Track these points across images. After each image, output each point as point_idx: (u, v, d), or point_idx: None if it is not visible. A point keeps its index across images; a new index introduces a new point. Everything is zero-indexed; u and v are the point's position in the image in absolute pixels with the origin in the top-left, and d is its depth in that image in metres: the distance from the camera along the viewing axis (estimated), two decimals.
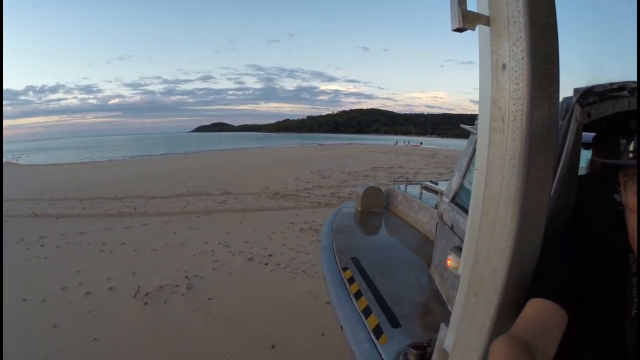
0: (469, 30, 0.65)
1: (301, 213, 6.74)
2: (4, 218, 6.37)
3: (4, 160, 34.93)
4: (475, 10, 0.65)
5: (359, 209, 3.50)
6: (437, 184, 3.46)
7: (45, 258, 4.61)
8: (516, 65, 0.60)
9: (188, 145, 50.01)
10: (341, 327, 1.63)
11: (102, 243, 5.06)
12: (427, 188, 3.34)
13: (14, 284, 3.79)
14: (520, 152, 0.62)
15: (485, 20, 0.65)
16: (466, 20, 0.63)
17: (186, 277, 3.78)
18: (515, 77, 0.61)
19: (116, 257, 4.52)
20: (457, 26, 0.63)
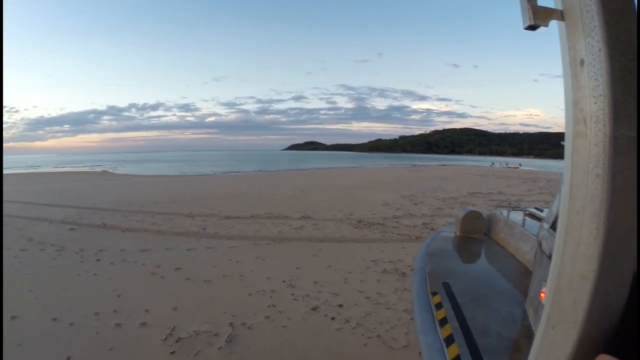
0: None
1: (387, 248, 6.34)
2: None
3: (101, 168, 42.98)
4: (548, 6, 0.70)
5: (458, 233, 3.80)
6: (542, 210, 3.60)
7: (95, 275, 5.00)
8: (594, 59, 0.64)
9: (280, 163, 56.20)
10: (420, 352, 1.85)
11: (157, 265, 5.26)
12: (531, 215, 3.53)
13: (53, 300, 4.14)
14: (604, 159, 0.64)
15: (559, 15, 0.70)
16: (538, 17, 0.68)
17: (231, 324, 3.48)
18: (594, 73, 0.64)
19: (165, 285, 4.58)
20: (528, 23, 0.69)
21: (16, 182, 23.10)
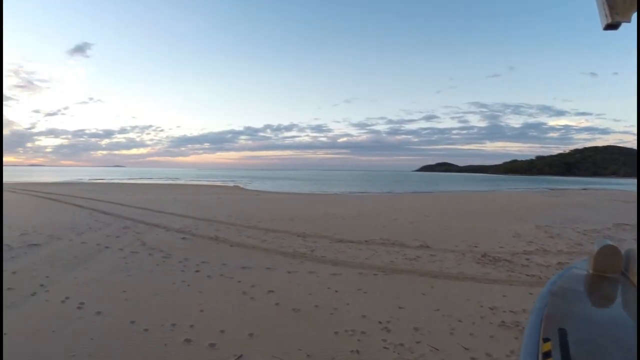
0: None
1: (511, 292, 5.46)
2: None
3: (234, 184, 47.85)
4: None
5: (590, 271, 3.31)
6: None
7: (188, 285, 5.45)
8: None
9: (409, 185, 57.94)
10: None
11: (252, 285, 5.46)
12: None
13: (140, 303, 4.66)
14: None
15: None
16: (615, 12, 0.71)
17: None
18: None
19: (251, 307, 4.69)
20: (607, 22, 0.73)
21: (150, 192, 27.04)
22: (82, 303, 4.74)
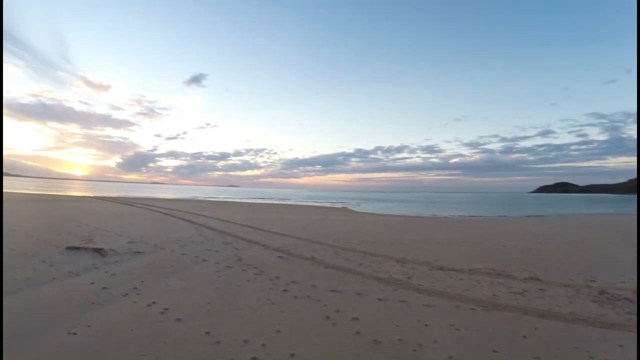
0: None
1: (630, 342, 4.55)
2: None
3: (343, 205, 48.23)
4: None
5: None
6: None
7: (272, 304, 5.51)
8: None
9: (524, 207, 54.42)
10: None
11: (337, 310, 5.29)
12: None
13: (219, 316, 4.89)
14: None
15: None
16: None
17: None
18: None
19: (330, 333, 4.52)
20: None
21: (258, 211, 28.15)
22: (166, 309, 5.13)
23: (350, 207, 44.04)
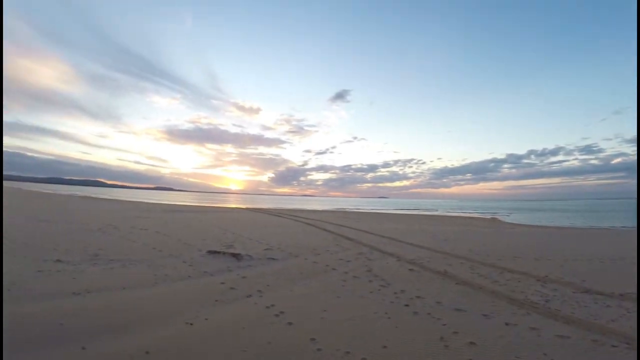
0: None
1: None
2: None
3: (492, 215, 45.33)
4: None
5: None
6: None
7: (389, 318, 5.35)
8: None
9: None
10: None
11: (455, 331, 4.91)
12: None
13: (332, 325, 4.96)
14: None
15: None
16: None
17: None
18: None
19: (436, 355, 4.20)
20: None
21: (401, 221, 27.96)
22: (281, 312, 5.38)
23: (499, 218, 41.38)
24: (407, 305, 5.93)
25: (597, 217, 44.77)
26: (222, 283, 6.95)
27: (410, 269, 8.85)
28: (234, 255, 9.50)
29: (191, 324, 4.78)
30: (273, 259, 9.54)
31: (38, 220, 15.86)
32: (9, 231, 11.67)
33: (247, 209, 43.79)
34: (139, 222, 18.04)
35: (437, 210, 65.10)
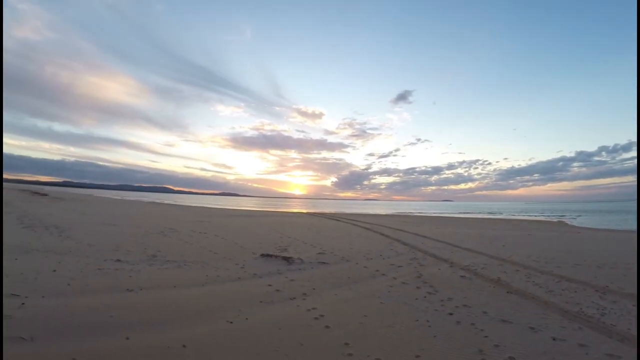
0: None
1: None
2: None
3: (559, 218, 43.09)
4: None
5: None
6: None
7: (429, 326, 5.30)
8: None
9: None
10: None
11: (495, 345, 4.71)
12: None
13: (370, 330, 5.06)
14: None
15: None
16: None
17: None
18: None
19: None
20: None
21: (463, 225, 27.29)
22: (321, 315, 5.55)
23: (567, 221, 39.20)
24: (451, 314, 5.84)
25: None
26: (269, 285, 7.24)
27: (462, 276, 8.71)
28: (286, 258, 9.79)
29: (231, 322, 5.09)
30: (324, 263, 9.72)
31: (104, 224, 17.07)
32: (77, 234, 12.78)
33: (307, 213, 44.53)
34: (199, 226, 18.92)
35: (501, 213, 62.82)
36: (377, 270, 8.94)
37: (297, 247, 12.57)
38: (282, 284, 7.42)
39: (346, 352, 4.23)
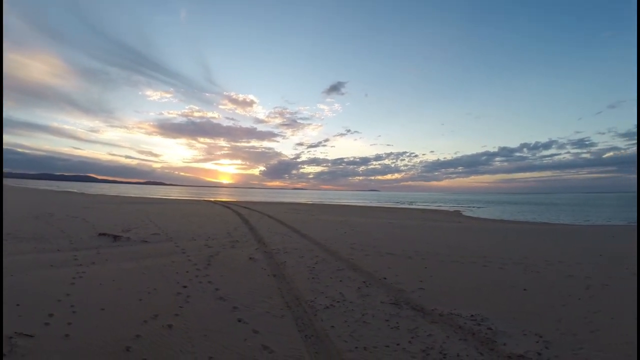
0: None
1: None
2: None
3: (456, 209, 46.14)
4: None
5: None
6: None
7: (179, 295, 6.39)
8: None
9: None
10: None
11: (174, 314, 5.55)
12: None
13: (104, 292, 6.31)
14: None
15: None
16: None
17: None
18: None
19: None
20: None
21: (347, 214, 28.96)
22: (80, 278, 7.01)
23: (463, 211, 41.59)
24: (186, 287, 6.76)
25: (583, 212, 43.30)
26: (75, 257, 8.63)
27: (250, 258, 9.44)
28: (116, 237, 11.31)
29: (12, 276, 6.87)
30: (146, 241, 11.07)
31: None
32: None
33: (207, 201, 44.95)
34: (80, 211, 20.07)
35: (412, 203, 65.64)
36: (183, 250, 10.04)
37: (142, 228, 13.90)
38: (86, 256, 8.76)
39: (70, 309, 5.37)
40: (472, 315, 5.86)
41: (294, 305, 6.17)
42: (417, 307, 6.23)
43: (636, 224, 25.11)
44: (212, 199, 52.26)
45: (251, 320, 5.35)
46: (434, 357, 4.43)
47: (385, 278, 8.04)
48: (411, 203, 67.14)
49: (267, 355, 4.32)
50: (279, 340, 4.74)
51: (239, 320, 5.32)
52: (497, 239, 15.03)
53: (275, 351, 4.43)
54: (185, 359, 4.15)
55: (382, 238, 14.12)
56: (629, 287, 7.67)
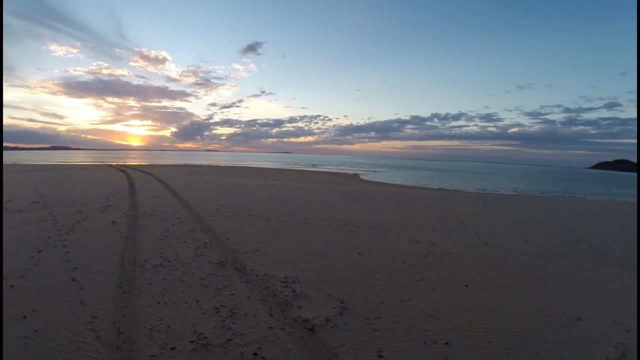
0: None
1: None
2: None
3: (357, 171, 47.80)
4: None
5: None
6: None
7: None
8: None
9: (584, 186, 48.66)
10: None
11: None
12: None
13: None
14: None
15: None
16: None
17: None
18: None
19: None
20: None
21: (240, 177, 29.89)
22: None
23: (362, 175, 43.22)
24: (40, 252, 7.18)
25: (484, 180, 48.49)
26: None
27: (113, 222, 9.83)
28: None
29: None
30: (22, 211, 11.10)
31: None
32: None
33: (109, 165, 43.20)
34: None
35: (315, 166, 67.01)
36: (54, 217, 10.19)
37: (23, 198, 13.56)
38: None
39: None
40: (285, 277, 6.19)
41: (127, 264, 6.65)
42: (239, 268, 6.62)
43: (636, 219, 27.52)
44: (113, 163, 50.14)
45: (82, 279, 5.86)
46: (222, 315, 4.76)
47: (228, 239, 8.51)
48: (314, 165, 68.41)
49: (81, 308, 4.85)
50: (97, 296, 5.24)
51: (73, 279, 5.82)
52: (370, 203, 15.90)
53: (89, 304, 4.96)
54: (13, 312, 4.63)
55: (254, 200, 14.72)
56: (472, 257, 7.83)
